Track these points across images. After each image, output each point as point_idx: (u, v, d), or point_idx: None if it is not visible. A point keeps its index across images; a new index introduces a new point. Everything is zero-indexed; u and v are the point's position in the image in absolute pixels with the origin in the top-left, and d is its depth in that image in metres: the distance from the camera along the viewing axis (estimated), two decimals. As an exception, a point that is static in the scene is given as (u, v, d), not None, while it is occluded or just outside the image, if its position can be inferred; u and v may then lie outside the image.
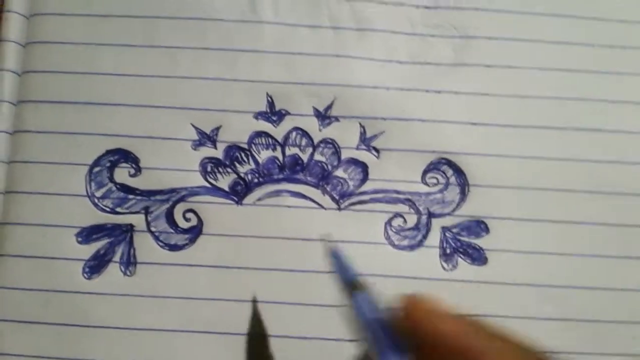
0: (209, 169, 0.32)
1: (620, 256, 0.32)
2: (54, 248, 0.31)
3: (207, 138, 0.32)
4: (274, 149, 0.33)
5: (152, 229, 0.31)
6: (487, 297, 0.31)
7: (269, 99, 0.33)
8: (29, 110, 0.32)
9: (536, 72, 0.34)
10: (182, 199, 0.32)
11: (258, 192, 0.32)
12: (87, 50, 0.33)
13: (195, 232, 0.31)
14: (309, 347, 0.30)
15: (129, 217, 0.31)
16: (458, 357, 0.17)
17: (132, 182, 0.32)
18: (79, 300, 0.30)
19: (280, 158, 0.33)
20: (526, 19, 0.34)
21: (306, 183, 0.32)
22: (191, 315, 0.30)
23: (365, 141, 0.33)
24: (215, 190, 0.32)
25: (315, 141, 0.33)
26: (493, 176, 0.32)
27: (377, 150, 0.33)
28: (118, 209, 0.32)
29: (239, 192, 0.32)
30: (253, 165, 0.32)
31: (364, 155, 0.33)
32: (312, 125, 0.33)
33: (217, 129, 0.32)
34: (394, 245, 0.32)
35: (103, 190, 0.32)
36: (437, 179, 0.32)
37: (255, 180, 0.32)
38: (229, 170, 0.32)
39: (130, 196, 0.32)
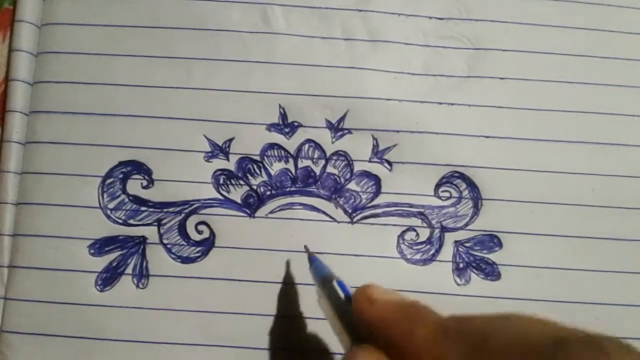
0: (221, 181, 0.32)
1: (635, 271, 0.32)
2: (66, 260, 0.31)
3: (219, 150, 0.32)
4: (287, 161, 0.33)
5: (165, 241, 0.31)
6: (500, 312, 0.31)
7: (282, 110, 0.33)
8: (41, 120, 0.32)
9: (550, 85, 0.34)
10: (194, 211, 0.32)
11: (270, 205, 0.32)
12: (100, 61, 0.33)
13: (207, 244, 0.31)
14: (321, 361, 0.30)
15: (142, 229, 0.31)
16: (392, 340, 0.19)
17: (145, 194, 0.32)
18: (92, 312, 0.30)
19: (293, 170, 0.32)
20: (540, 31, 0.34)
21: (319, 196, 0.32)
22: (204, 328, 0.30)
23: (378, 154, 0.33)
24: (228, 203, 0.32)
25: (328, 153, 0.33)
26: (507, 190, 0.32)
27: (389, 163, 0.33)
28: (130, 221, 0.31)
29: (251, 204, 0.32)
30: (265, 178, 0.32)
31: (377, 168, 0.33)
32: (324, 137, 0.33)
33: (230, 140, 0.32)
34: (406, 260, 0.32)
35: (116, 202, 0.32)
36: (450, 192, 0.32)
37: (268, 192, 0.32)
38: (241, 182, 0.32)
39: (143, 208, 0.32)
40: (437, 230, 0.32)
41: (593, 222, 0.32)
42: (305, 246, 0.30)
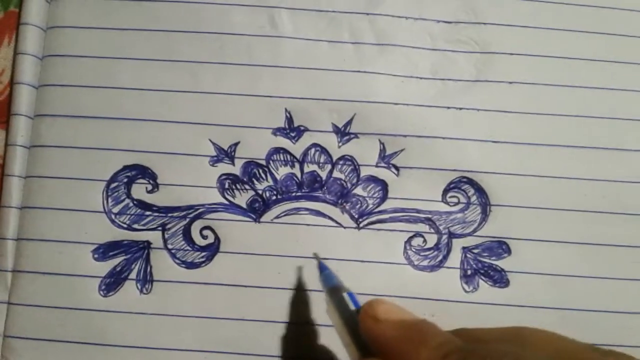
0: (226, 185, 0.32)
1: (646, 280, 0.31)
2: (70, 265, 0.31)
3: (225, 154, 0.32)
4: (292, 166, 0.32)
5: (169, 246, 0.31)
6: (508, 319, 0.30)
7: (288, 114, 0.32)
8: (46, 124, 0.32)
9: (559, 90, 0.33)
10: (199, 216, 0.31)
11: (276, 210, 0.32)
12: (105, 64, 0.33)
13: (212, 249, 0.31)
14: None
15: (146, 234, 0.31)
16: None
17: (150, 199, 0.31)
18: (95, 318, 0.30)
19: (299, 175, 0.32)
20: (549, 35, 0.34)
21: (325, 201, 0.32)
22: (208, 334, 0.30)
23: (385, 158, 0.32)
24: (233, 208, 0.31)
25: (334, 158, 0.32)
26: (515, 196, 0.32)
27: (396, 168, 0.32)
28: (135, 226, 0.31)
29: (256, 209, 0.32)
30: (271, 182, 0.32)
31: (384, 173, 0.32)
32: (331, 141, 0.32)
33: (235, 144, 0.32)
34: (413, 266, 0.31)
35: (120, 206, 0.31)
36: (458, 198, 0.32)
37: (274, 197, 0.32)
38: (246, 187, 0.32)
39: (148, 212, 0.31)
40: (444, 236, 0.32)
41: (604, 228, 0.32)
42: (315, 253, 0.29)
